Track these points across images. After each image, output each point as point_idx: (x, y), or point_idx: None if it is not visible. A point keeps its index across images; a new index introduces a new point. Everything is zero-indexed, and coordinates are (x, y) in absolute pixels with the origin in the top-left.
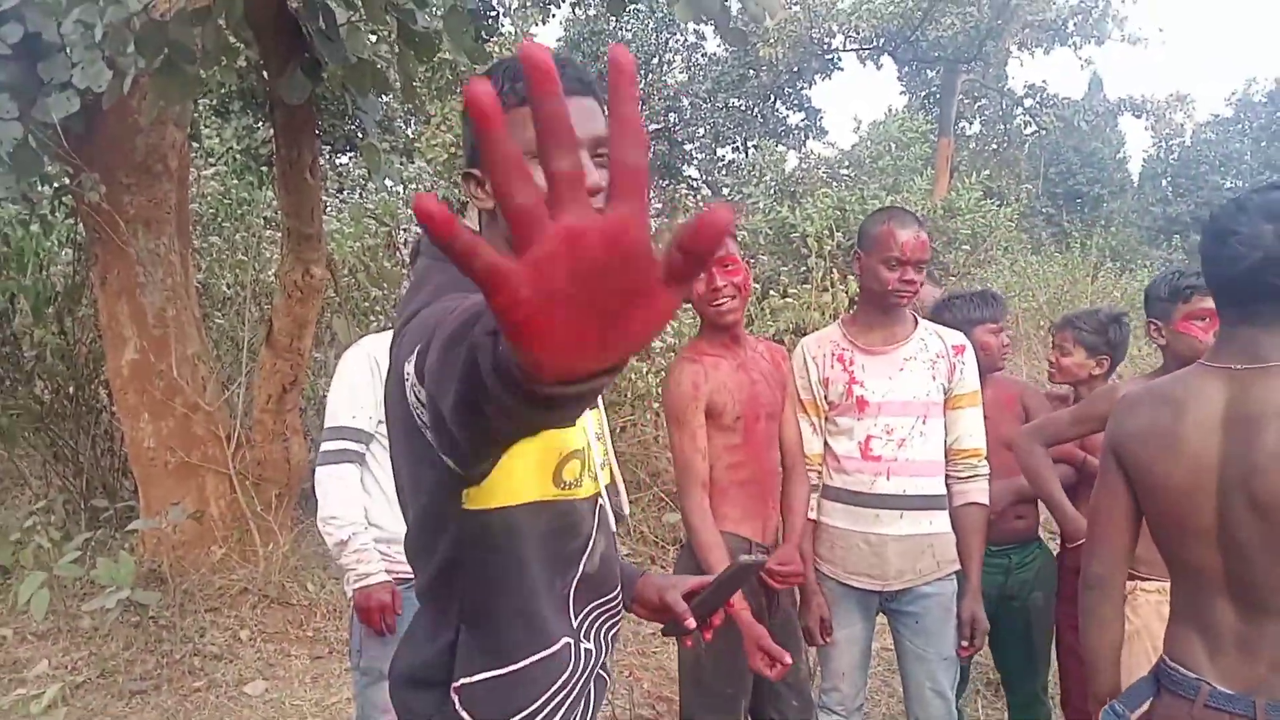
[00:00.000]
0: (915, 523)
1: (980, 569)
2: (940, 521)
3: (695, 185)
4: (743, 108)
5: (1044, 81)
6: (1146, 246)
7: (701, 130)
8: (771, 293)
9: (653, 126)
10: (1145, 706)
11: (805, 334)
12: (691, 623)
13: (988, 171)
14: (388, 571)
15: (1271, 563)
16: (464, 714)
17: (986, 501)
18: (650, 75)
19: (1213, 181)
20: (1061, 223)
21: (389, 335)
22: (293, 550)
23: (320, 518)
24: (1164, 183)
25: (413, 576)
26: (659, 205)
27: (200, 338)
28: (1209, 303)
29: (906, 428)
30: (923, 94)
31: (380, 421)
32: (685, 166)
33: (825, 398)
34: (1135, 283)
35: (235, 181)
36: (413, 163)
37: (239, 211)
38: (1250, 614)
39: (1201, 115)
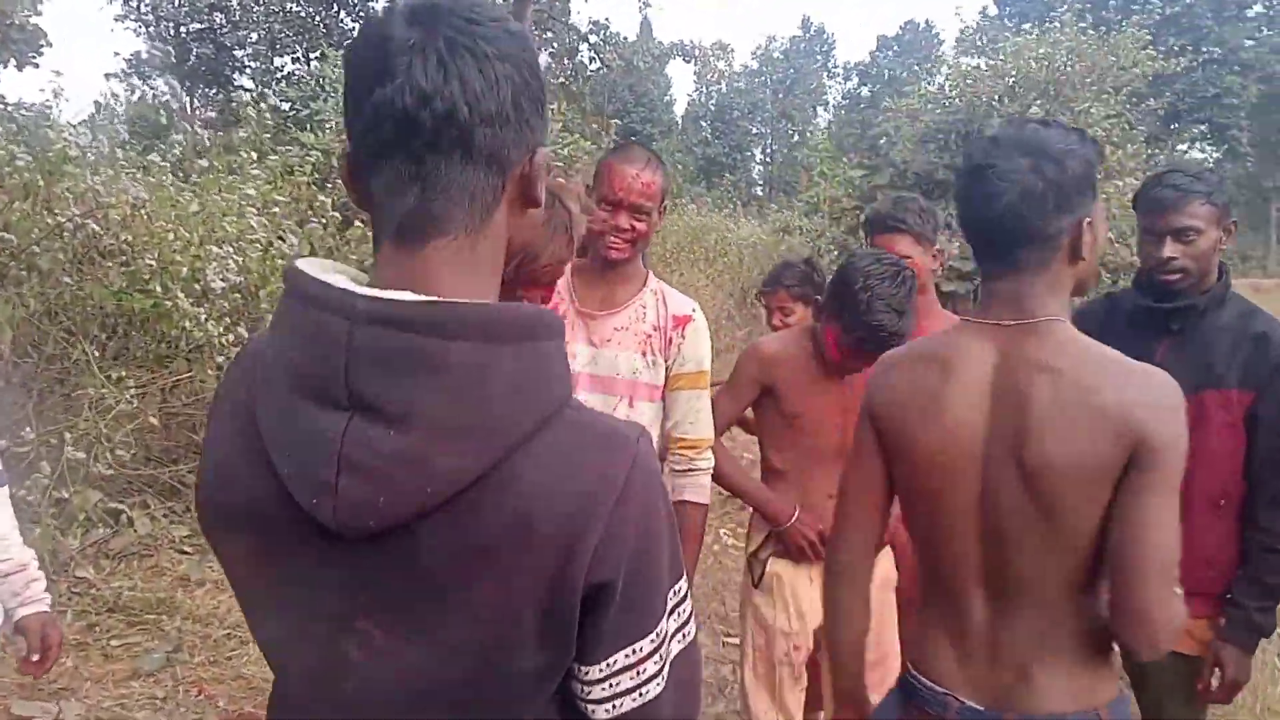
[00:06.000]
0: None
1: (692, 575)
2: None
3: (255, 96)
4: (303, 14)
5: (607, 19)
6: (689, 184)
7: (255, 36)
8: (359, 221)
9: (195, 27)
10: None
11: None
12: None
13: (555, 105)
14: None
15: (1033, 543)
16: None
17: (704, 500)
18: None
19: (744, 127)
20: None
21: None
22: None
23: None
24: (704, 125)
25: None
26: (214, 114)
27: None
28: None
29: (607, 409)
30: None
31: None
32: (237, 75)
33: None
34: (683, 219)
35: None
36: None
37: None
38: (1002, 608)
39: (736, 65)
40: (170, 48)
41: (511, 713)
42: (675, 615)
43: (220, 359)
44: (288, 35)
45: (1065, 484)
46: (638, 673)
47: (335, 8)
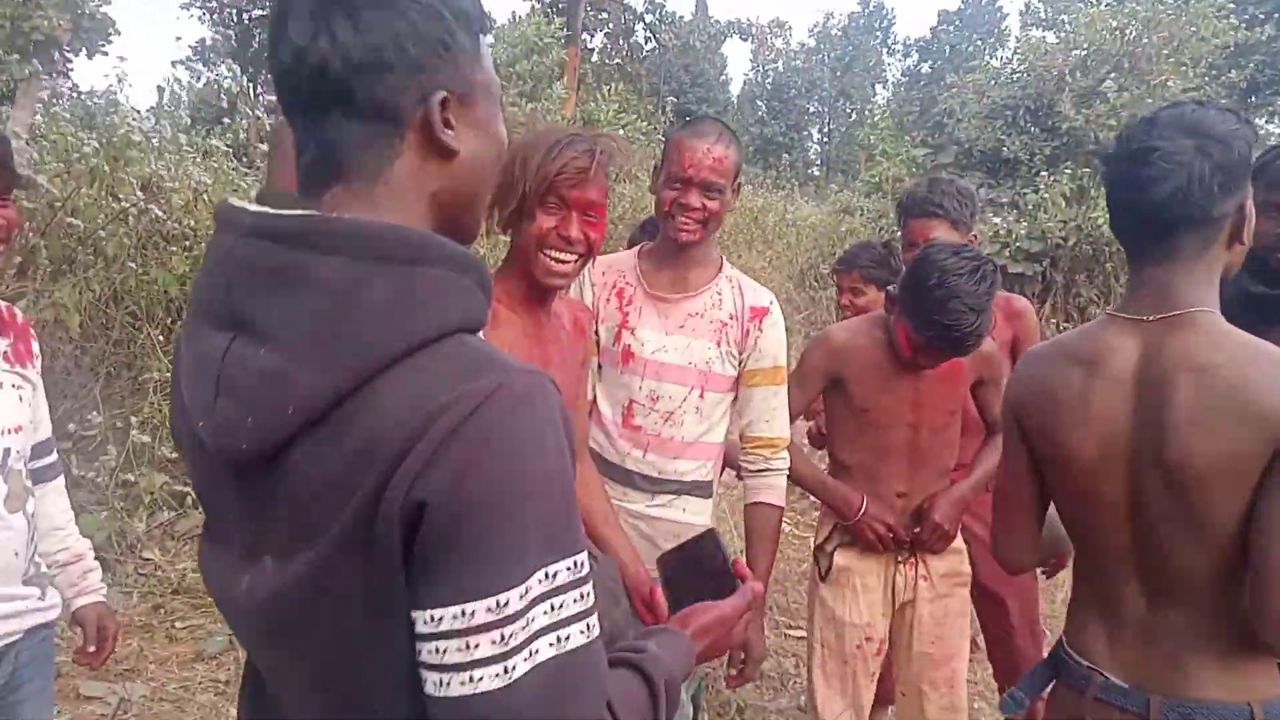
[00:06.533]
0: (665, 508)
1: (765, 581)
2: (696, 510)
3: None
4: None
5: None
6: (746, 164)
7: None
8: None
9: (257, 13)
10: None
11: None
12: None
13: (611, 86)
14: None
15: (1181, 540)
16: None
17: (779, 501)
18: None
19: (800, 106)
20: None
21: None
22: None
23: None
24: (760, 104)
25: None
26: (275, 99)
27: None
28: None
29: (677, 399)
30: (546, 1)
31: None
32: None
33: (595, 332)
34: (739, 200)
35: None
36: None
37: None
38: (1156, 599)
39: (793, 44)
40: (232, 33)
41: (355, 655)
42: (547, 606)
43: None
44: None
45: (1207, 484)
46: (467, 645)
47: None
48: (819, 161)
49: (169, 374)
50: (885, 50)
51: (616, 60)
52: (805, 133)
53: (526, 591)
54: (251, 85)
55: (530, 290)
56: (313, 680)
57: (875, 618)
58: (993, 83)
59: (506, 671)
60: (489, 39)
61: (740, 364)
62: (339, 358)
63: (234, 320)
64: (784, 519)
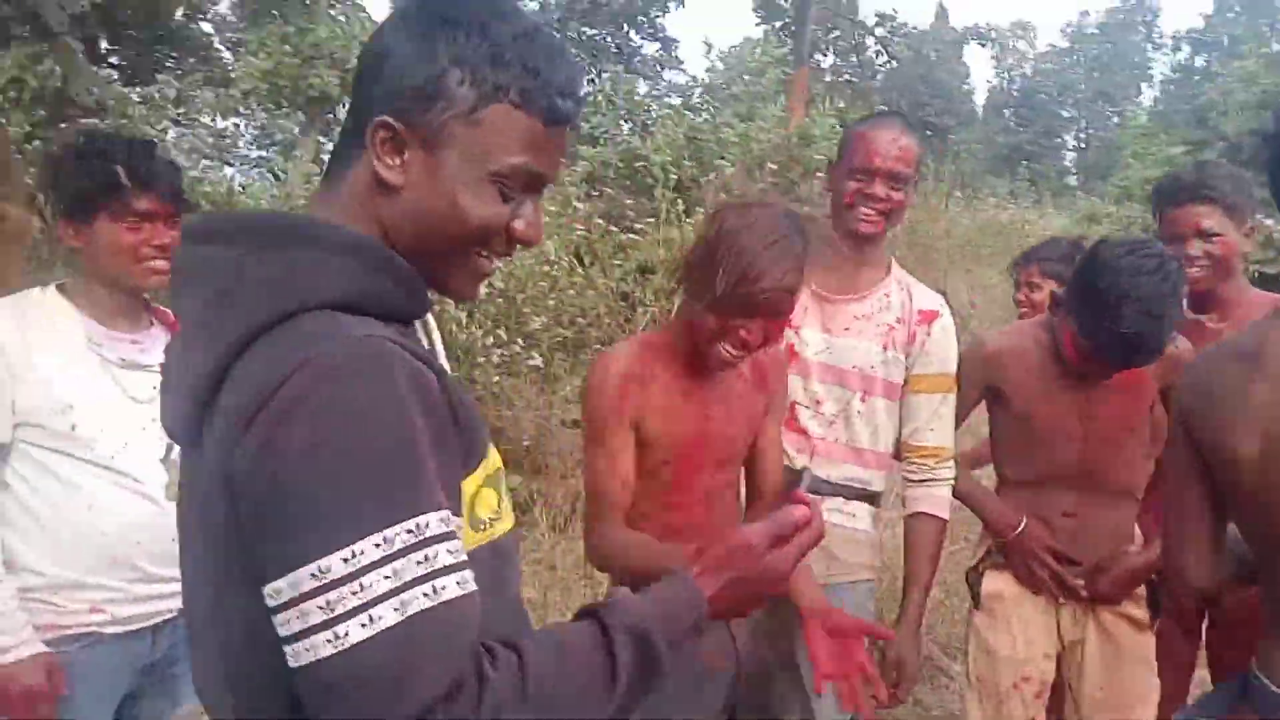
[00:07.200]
0: (830, 513)
1: (924, 597)
2: (861, 518)
3: None
4: (596, 36)
5: (894, 10)
6: (991, 176)
7: None
8: (613, 229)
9: None
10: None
11: (652, 273)
12: None
13: (842, 103)
14: (51, 629)
15: None
16: None
17: (942, 513)
18: None
19: (1051, 111)
20: None
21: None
22: None
23: None
24: (1007, 113)
25: (95, 629)
26: None
27: None
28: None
29: (840, 403)
30: (778, 24)
31: (20, 425)
32: None
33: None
34: (983, 210)
35: None
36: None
37: None
38: None
39: (1040, 45)
40: None
41: (248, 642)
42: (388, 570)
43: (481, 360)
44: (581, 58)
45: None
46: (301, 613)
47: (625, 27)
48: (1075, 169)
49: None
50: (1150, 45)
51: (846, 76)
52: (1058, 139)
53: (354, 556)
54: None
55: (693, 355)
56: (222, 673)
57: (1034, 655)
58: (1265, 69)
59: (338, 638)
60: (545, 126)
61: (907, 368)
62: (213, 338)
63: (178, 318)
64: (962, 537)
